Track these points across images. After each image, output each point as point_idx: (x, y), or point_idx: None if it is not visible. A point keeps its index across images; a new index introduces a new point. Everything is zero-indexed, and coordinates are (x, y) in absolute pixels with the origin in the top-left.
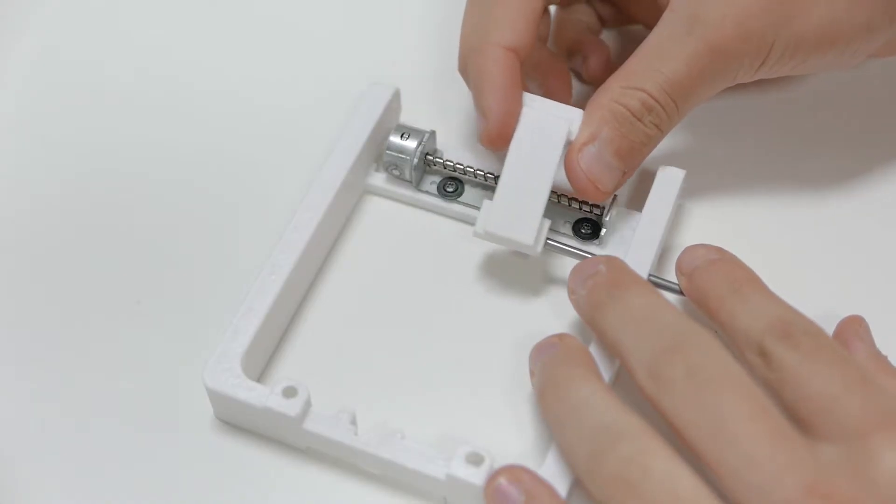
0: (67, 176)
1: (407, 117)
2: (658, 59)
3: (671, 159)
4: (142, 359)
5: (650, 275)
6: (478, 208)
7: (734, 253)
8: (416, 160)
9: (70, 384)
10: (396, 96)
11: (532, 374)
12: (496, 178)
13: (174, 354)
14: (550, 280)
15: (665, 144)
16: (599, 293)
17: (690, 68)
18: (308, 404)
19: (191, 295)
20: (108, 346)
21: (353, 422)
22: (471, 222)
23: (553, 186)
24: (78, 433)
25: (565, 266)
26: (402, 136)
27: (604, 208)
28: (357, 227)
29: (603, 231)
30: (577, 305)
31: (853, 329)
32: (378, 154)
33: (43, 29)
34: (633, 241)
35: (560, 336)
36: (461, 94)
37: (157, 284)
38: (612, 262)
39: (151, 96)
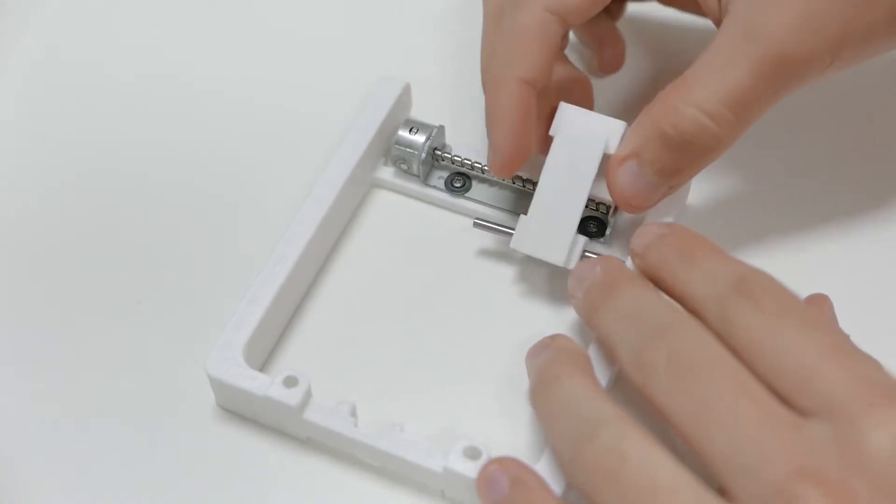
0: (70, 175)
1: (417, 112)
2: (719, 71)
3: None
4: (144, 350)
5: None
6: (485, 203)
7: (741, 255)
8: (424, 155)
9: (72, 372)
10: (406, 91)
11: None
12: None
13: (177, 345)
14: (555, 277)
15: None
16: (595, 294)
17: (755, 80)
18: (308, 394)
19: (196, 288)
20: (109, 338)
21: (353, 413)
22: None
23: None
24: (80, 421)
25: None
26: (410, 131)
27: (610, 207)
28: (364, 220)
29: (609, 230)
30: (577, 308)
31: (818, 304)
32: (387, 148)
33: (43, 29)
34: None
35: (552, 337)
36: (472, 90)
37: (161, 278)
38: (607, 262)
39: (154, 95)
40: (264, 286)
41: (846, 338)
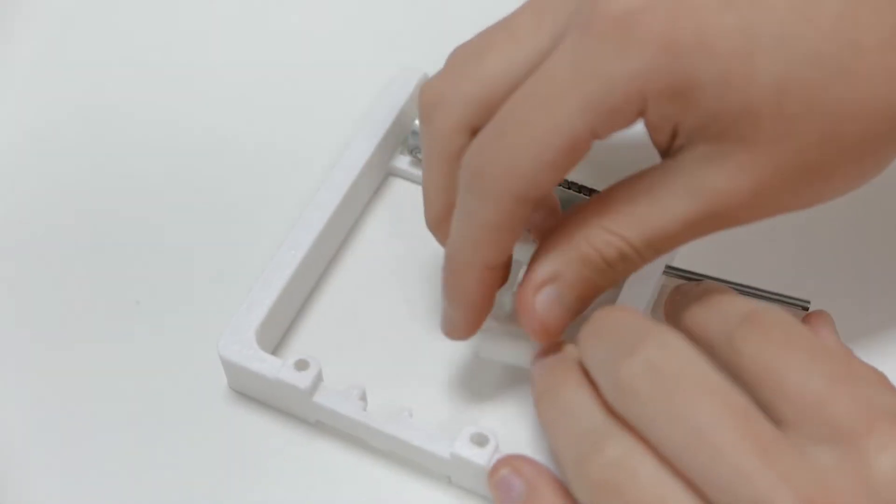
0: (78, 168)
1: None
2: (649, 206)
3: None
4: (158, 333)
5: (667, 266)
6: None
7: (747, 256)
8: None
9: (87, 354)
10: (424, 81)
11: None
12: None
13: (191, 328)
14: None
15: None
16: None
17: (685, 227)
18: (319, 378)
19: (213, 272)
20: (124, 322)
21: (363, 398)
22: None
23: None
24: (93, 403)
25: None
26: None
27: None
28: (379, 208)
29: None
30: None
31: (819, 323)
32: (404, 137)
33: (44, 27)
34: None
35: (559, 343)
36: None
37: (179, 263)
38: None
39: (166, 84)
40: (278, 270)
41: (852, 361)
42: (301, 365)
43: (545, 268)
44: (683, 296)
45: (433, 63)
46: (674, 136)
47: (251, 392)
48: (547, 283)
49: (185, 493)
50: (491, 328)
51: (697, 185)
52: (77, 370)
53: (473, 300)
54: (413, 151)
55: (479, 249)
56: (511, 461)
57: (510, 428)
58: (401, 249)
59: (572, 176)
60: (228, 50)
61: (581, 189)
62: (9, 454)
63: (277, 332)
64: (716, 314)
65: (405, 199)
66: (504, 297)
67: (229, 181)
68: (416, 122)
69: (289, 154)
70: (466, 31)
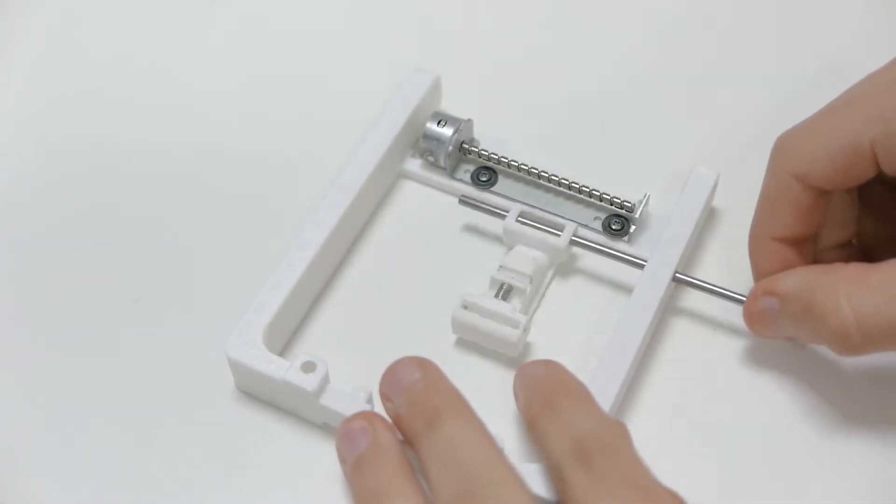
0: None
1: (447, 105)
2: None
3: (708, 159)
4: (167, 333)
5: (676, 273)
6: (510, 198)
7: None
8: (451, 147)
9: (98, 354)
10: (437, 83)
11: (515, 395)
12: (530, 169)
13: (200, 328)
14: (576, 272)
15: (702, 145)
16: (416, 420)
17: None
18: (326, 380)
19: (223, 273)
20: (133, 321)
21: (370, 400)
22: (503, 212)
23: (583, 182)
24: (101, 401)
25: (592, 260)
26: (439, 123)
27: (634, 205)
28: (389, 210)
29: (632, 228)
30: (393, 419)
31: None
32: (415, 139)
33: (46, 26)
34: (661, 240)
35: (546, 362)
36: (502, 86)
37: (190, 264)
38: (427, 371)
39: (176, 83)
40: (287, 271)
41: (653, 490)
42: (308, 367)
43: (785, 281)
44: (531, 382)
45: (445, 65)
46: None
47: (258, 393)
48: (773, 295)
49: (190, 493)
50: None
51: None
52: (85, 369)
53: (760, 266)
54: (424, 154)
55: (762, 217)
56: (365, 416)
57: (514, 431)
58: (410, 252)
59: (571, 175)
60: (240, 50)
61: (571, 186)
62: (12, 454)
63: (285, 333)
64: (555, 427)
65: (416, 202)
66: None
67: (240, 181)
68: (428, 124)
69: (300, 155)
70: (479, 33)
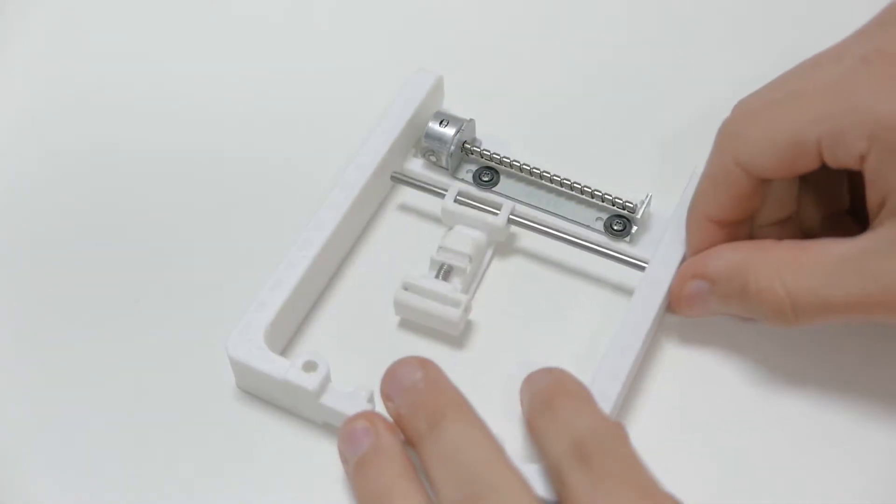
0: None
1: (449, 105)
2: (831, 277)
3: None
4: (168, 331)
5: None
6: (512, 198)
7: None
8: (452, 147)
9: (97, 352)
10: (439, 83)
11: (521, 401)
12: (532, 170)
13: (201, 327)
14: (577, 274)
15: (705, 146)
16: (418, 420)
17: (858, 310)
18: (327, 380)
19: (225, 272)
20: (133, 318)
21: (371, 400)
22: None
23: (584, 182)
24: (101, 401)
25: (592, 262)
26: (441, 123)
27: (636, 206)
28: (391, 210)
29: (634, 229)
30: (395, 418)
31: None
32: (417, 139)
33: (46, 26)
34: (663, 241)
35: (550, 370)
36: (504, 86)
37: (191, 263)
38: (428, 371)
39: (177, 82)
40: (288, 270)
41: (651, 490)
42: (309, 366)
43: (714, 263)
44: (531, 385)
45: (448, 65)
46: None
47: (259, 392)
48: (703, 278)
49: (190, 492)
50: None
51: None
52: (85, 369)
53: (693, 245)
54: (426, 154)
55: (701, 198)
56: (367, 416)
57: (515, 432)
58: (412, 250)
59: (573, 175)
60: (242, 49)
61: (573, 187)
62: (12, 454)
63: (287, 332)
64: (554, 427)
65: (417, 202)
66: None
67: (242, 180)
68: (430, 124)
69: (302, 154)
70: (482, 33)
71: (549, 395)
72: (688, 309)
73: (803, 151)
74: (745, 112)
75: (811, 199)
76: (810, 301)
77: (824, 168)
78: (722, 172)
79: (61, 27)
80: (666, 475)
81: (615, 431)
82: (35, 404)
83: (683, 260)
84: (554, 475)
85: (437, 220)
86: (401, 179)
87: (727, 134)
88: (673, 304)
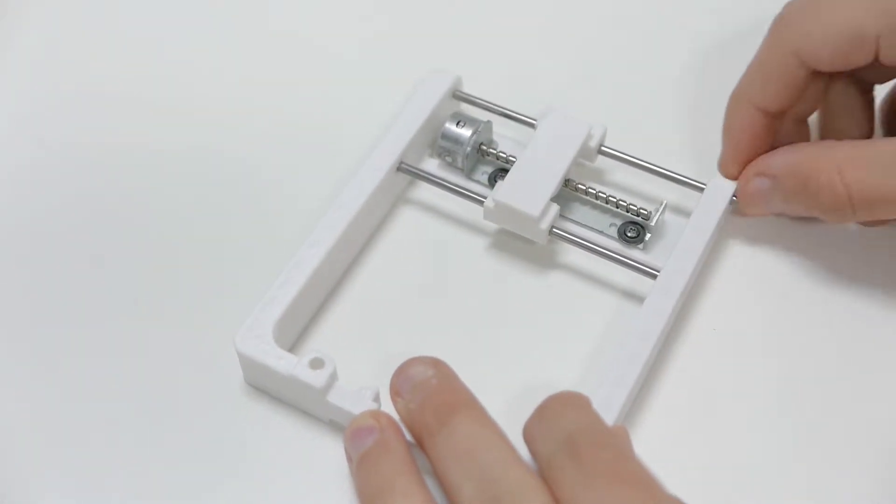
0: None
1: (467, 106)
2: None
3: None
4: (177, 326)
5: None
6: None
7: (785, 270)
8: (469, 149)
9: (107, 347)
10: (457, 84)
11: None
12: None
13: (211, 322)
14: (588, 277)
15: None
16: (429, 416)
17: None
18: (334, 377)
19: (236, 267)
20: (142, 313)
21: (377, 398)
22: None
23: (600, 186)
24: (110, 395)
25: (604, 267)
26: (457, 124)
27: (650, 213)
28: (405, 210)
29: (648, 235)
30: (403, 415)
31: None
32: (433, 139)
33: (46, 25)
34: (676, 249)
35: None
36: (522, 88)
37: (201, 258)
38: (440, 369)
39: (186, 83)
40: (298, 267)
41: (650, 487)
42: (316, 363)
43: (777, 161)
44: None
45: (464, 65)
46: None
47: (266, 387)
48: (765, 175)
49: (197, 486)
50: None
51: None
52: (93, 362)
53: (735, 133)
54: (441, 155)
55: (750, 84)
56: (374, 414)
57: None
58: (423, 253)
59: (577, 177)
60: (256, 49)
61: (588, 192)
62: (12, 453)
63: (295, 329)
64: (545, 428)
65: (431, 202)
66: None
67: (257, 177)
68: (447, 124)
69: (317, 152)
70: (498, 33)
71: (544, 402)
72: (751, 206)
73: (862, 45)
74: (806, 2)
75: (834, 110)
76: (868, 193)
77: (857, 79)
78: (775, 61)
79: (60, 27)
80: (675, 483)
81: (613, 431)
82: (34, 404)
83: (696, 266)
84: (546, 474)
85: (449, 219)
86: (409, 171)
87: (785, 23)
88: (739, 200)
